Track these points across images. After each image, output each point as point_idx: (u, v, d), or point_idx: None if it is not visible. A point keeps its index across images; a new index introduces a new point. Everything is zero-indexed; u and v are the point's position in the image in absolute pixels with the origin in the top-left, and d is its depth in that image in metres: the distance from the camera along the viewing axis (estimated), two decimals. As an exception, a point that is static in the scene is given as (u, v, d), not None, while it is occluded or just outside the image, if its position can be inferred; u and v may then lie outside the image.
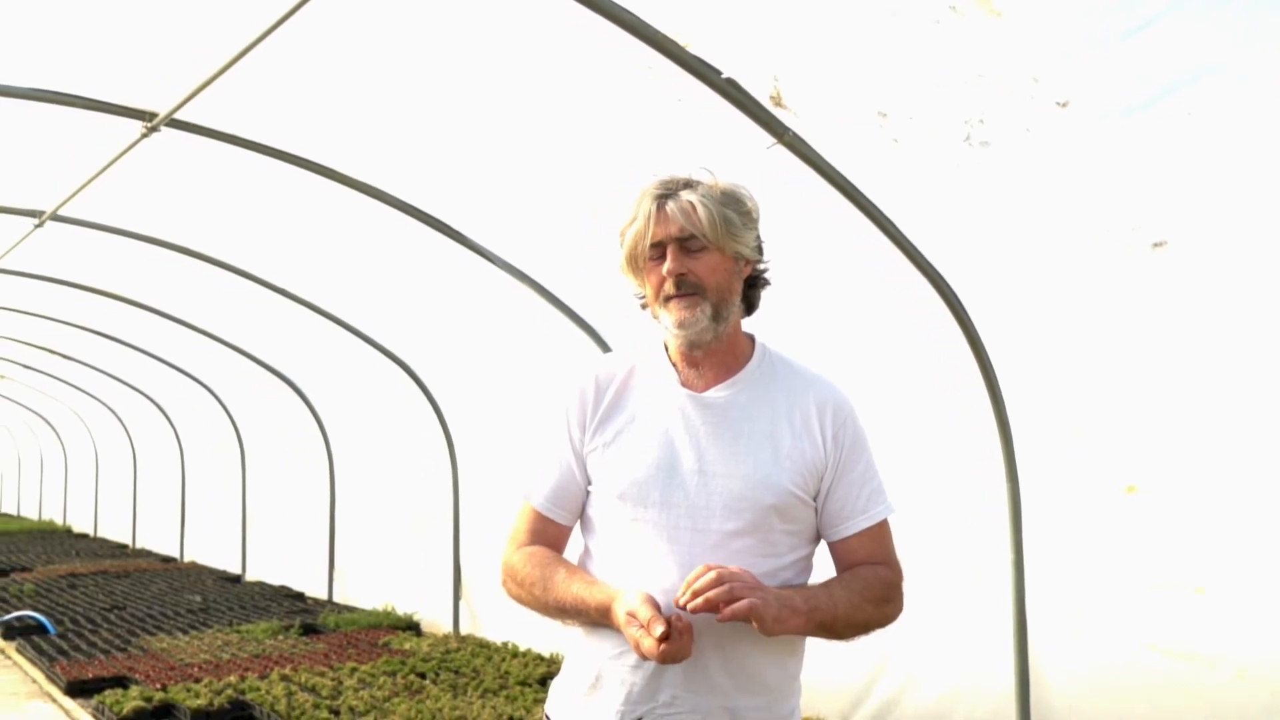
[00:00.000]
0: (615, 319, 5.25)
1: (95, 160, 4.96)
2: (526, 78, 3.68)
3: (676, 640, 1.56)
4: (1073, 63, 2.74)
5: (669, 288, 1.76)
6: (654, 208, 1.75)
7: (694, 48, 3.11)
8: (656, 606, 1.61)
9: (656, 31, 3.05)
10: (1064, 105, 2.85)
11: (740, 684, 1.72)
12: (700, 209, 1.73)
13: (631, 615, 1.61)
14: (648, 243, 1.75)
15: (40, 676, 6.20)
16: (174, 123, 4.38)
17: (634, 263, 1.80)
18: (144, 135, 4.45)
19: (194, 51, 3.83)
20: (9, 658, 6.85)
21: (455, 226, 5.07)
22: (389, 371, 7.21)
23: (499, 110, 3.97)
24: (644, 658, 1.60)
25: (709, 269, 1.76)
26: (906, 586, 1.87)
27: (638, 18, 3.01)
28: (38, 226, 6.09)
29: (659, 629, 1.56)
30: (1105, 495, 3.62)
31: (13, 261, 7.18)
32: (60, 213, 5.85)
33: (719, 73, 3.17)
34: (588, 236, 4.51)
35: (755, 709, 1.74)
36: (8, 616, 7.68)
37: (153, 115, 4.35)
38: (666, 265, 1.75)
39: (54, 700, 5.69)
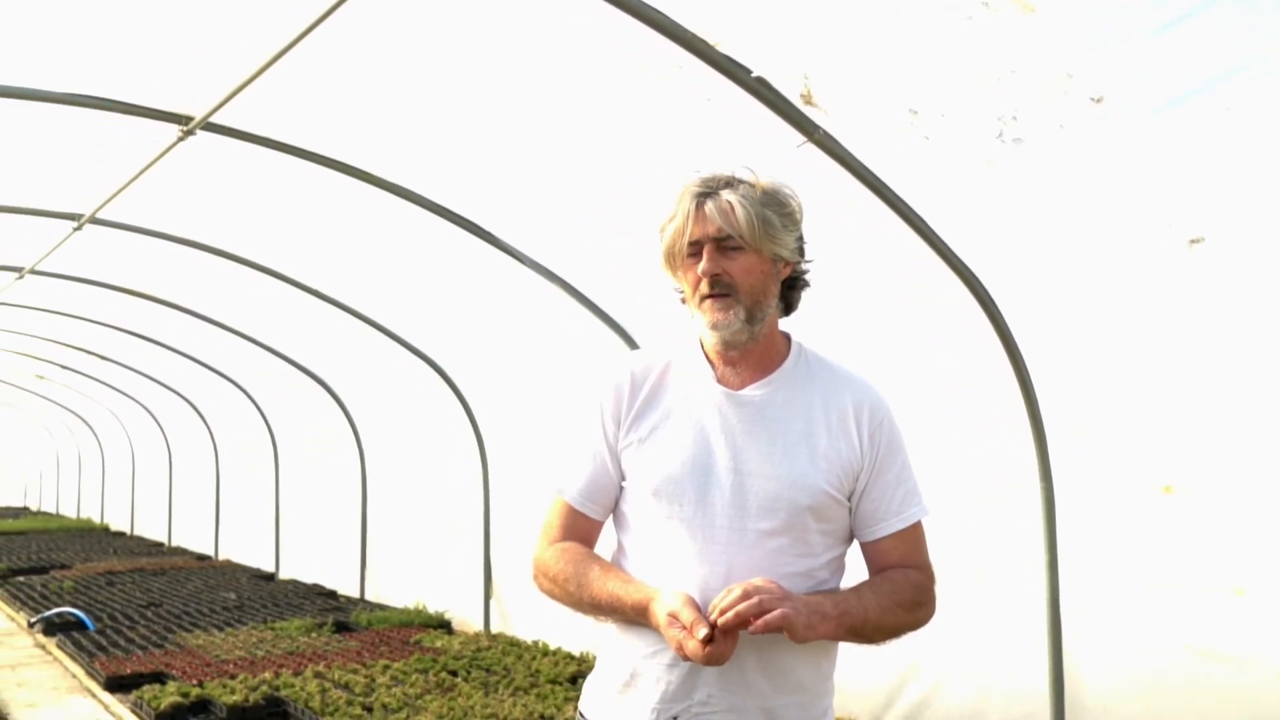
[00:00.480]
0: (644, 318, 5.26)
1: (132, 164, 5.03)
2: (556, 79, 3.70)
3: (721, 644, 1.57)
4: (1107, 58, 2.71)
5: (704, 287, 1.76)
6: (693, 206, 1.75)
7: (724, 47, 3.11)
8: (697, 608, 1.61)
9: (687, 31, 3.06)
10: (1098, 101, 2.82)
11: (776, 684, 1.72)
12: (739, 209, 1.72)
13: (673, 617, 1.61)
14: (685, 241, 1.75)
15: (80, 672, 6.31)
16: (209, 126, 4.44)
17: (672, 260, 1.80)
18: (180, 139, 4.52)
19: (229, 56, 3.88)
20: (50, 653, 6.97)
21: (485, 227, 5.10)
22: (420, 371, 7.27)
23: (529, 111, 3.99)
24: (686, 659, 1.60)
25: (744, 270, 1.75)
26: (938, 586, 1.86)
27: (668, 18, 3.02)
28: (76, 229, 6.19)
29: (702, 631, 1.56)
30: (1141, 495, 3.58)
31: (52, 264, 7.30)
32: (98, 216, 5.95)
33: (749, 71, 3.17)
34: (617, 236, 4.53)
35: (790, 708, 1.74)
36: (48, 613, 7.82)
37: (189, 119, 4.41)
38: (702, 265, 1.75)
39: (94, 695, 5.78)
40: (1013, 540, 4.01)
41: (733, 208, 1.73)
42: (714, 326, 1.76)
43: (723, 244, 1.75)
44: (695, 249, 1.76)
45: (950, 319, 3.85)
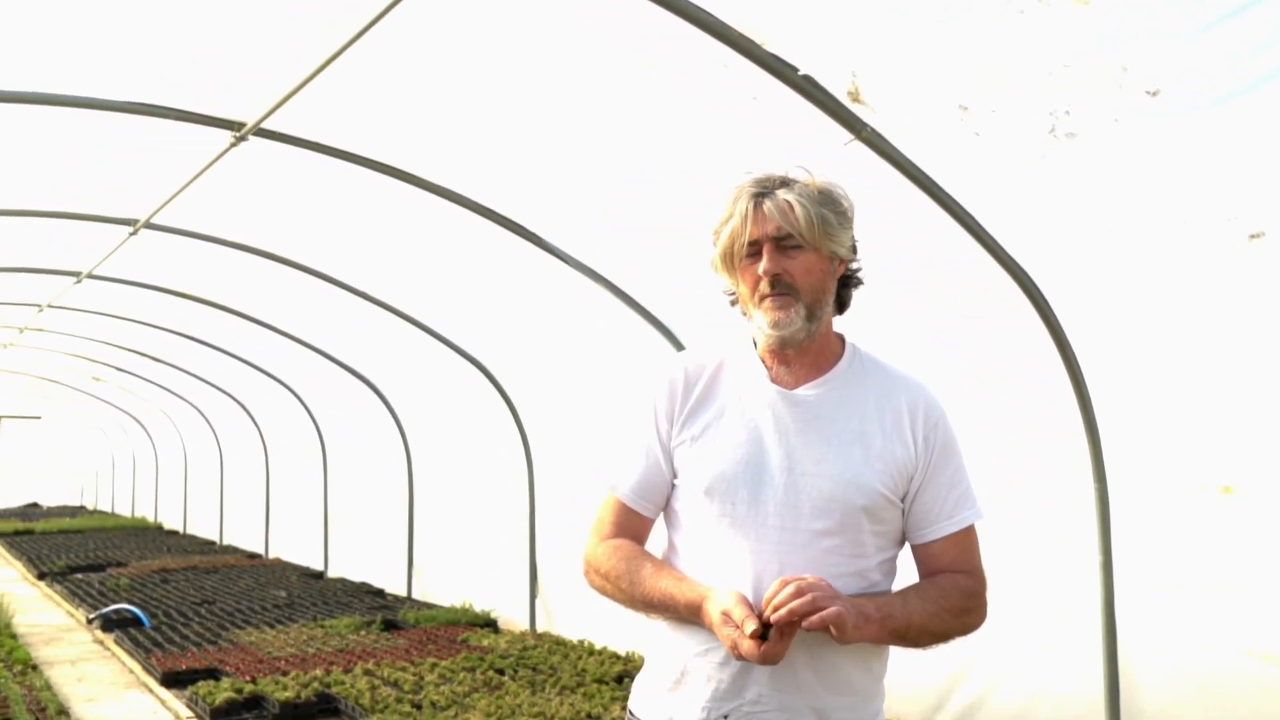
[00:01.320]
0: (690, 318, 5.26)
1: (186, 170, 5.14)
2: (602, 79, 3.71)
3: (775, 643, 1.57)
4: (1163, 51, 2.66)
5: (764, 287, 1.75)
6: (751, 206, 1.74)
7: (770, 45, 3.10)
8: (750, 606, 1.61)
9: (733, 30, 3.05)
10: (1154, 94, 2.77)
11: (827, 684, 1.72)
12: (798, 208, 1.72)
13: (726, 615, 1.61)
14: (744, 241, 1.75)
15: (137, 667, 6.45)
16: (260, 132, 4.52)
17: (729, 261, 1.79)
18: (232, 144, 4.60)
19: (279, 64, 3.94)
20: (108, 649, 7.13)
21: (530, 228, 5.13)
22: (465, 372, 7.33)
23: (574, 112, 4.00)
24: (740, 659, 1.60)
25: (804, 269, 1.75)
26: (989, 588, 1.84)
27: (714, 17, 3.02)
28: (132, 234, 6.34)
29: (751, 626, 1.56)
30: (1199, 495, 3.51)
31: (108, 268, 7.48)
32: (153, 221, 6.08)
33: (796, 70, 3.15)
34: (663, 235, 4.53)
35: (842, 709, 1.73)
36: (106, 610, 8.00)
37: (241, 125, 4.49)
38: (763, 265, 1.74)
39: (150, 691, 5.91)
40: (1065, 541, 3.95)
41: (791, 206, 1.72)
42: (775, 325, 1.76)
43: (782, 243, 1.74)
44: (754, 249, 1.76)
45: (1001, 317, 3.80)
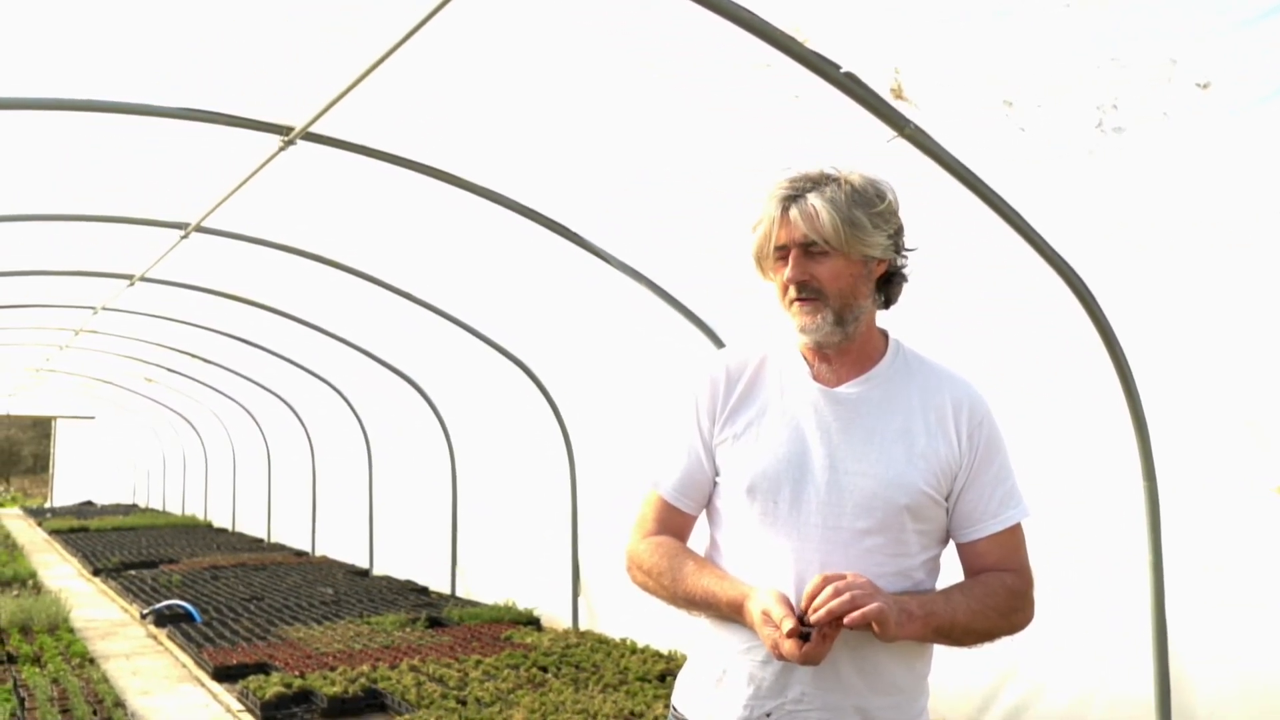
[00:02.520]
0: (731, 316, 5.26)
1: (236, 174, 5.24)
2: (643, 79, 3.72)
3: (817, 644, 1.57)
4: (1214, 42, 2.62)
5: (792, 291, 1.76)
6: (779, 211, 1.74)
7: (812, 43, 3.10)
8: (790, 606, 1.61)
9: (774, 28, 3.05)
10: (1205, 87, 2.72)
11: (871, 683, 1.71)
12: (824, 215, 1.70)
13: (766, 615, 1.61)
14: (772, 245, 1.75)
15: (189, 662, 6.59)
16: (308, 135, 4.59)
17: (760, 262, 1.80)
18: (281, 149, 4.69)
19: (326, 69, 4.01)
20: (160, 644, 7.29)
21: (572, 228, 5.16)
22: (507, 371, 7.39)
23: (616, 112, 4.02)
24: (781, 659, 1.60)
25: (831, 275, 1.74)
26: (1037, 588, 1.81)
27: (756, 15, 3.02)
28: (183, 238, 6.47)
29: (788, 624, 1.57)
30: (1251, 495, 3.45)
31: (159, 271, 7.64)
32: (203, 224, 6.20)
33: (838, 67, 3.14)
34: (705, 235, 4.53)
35: (886, 708, 1.72)
36: (158, 605, 8.18)
37: (289, 129, 4.57)
38: (787, 272, 1.74)
39: (202, 684, 6.03)
40: (1114, 540, 3.90)
41: (817, 213, 1.70)
42: (803, 330, 1.77)
43: (809, 249, 1.73)
44: (782, 253, 1.76)
45: (1047, 314, 3.76)
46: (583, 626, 7.23)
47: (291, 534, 13.27)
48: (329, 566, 11.14)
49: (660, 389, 5.79)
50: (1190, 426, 3.67)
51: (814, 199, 1.71)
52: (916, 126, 3.29)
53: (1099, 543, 3.96)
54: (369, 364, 9.14)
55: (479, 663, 6.05)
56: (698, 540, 1.90)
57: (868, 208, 1.73)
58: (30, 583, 9.77)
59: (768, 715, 1.71)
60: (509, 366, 7.34)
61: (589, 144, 4.38)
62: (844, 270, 1.74)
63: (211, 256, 7.07)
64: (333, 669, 5.92)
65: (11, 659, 6.40)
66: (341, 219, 6.17)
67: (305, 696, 5.46)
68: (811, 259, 1.73)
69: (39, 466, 30.21)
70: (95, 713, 5.04)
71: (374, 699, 5.46)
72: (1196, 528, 3.69)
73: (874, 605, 1.56)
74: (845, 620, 1.56)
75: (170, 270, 7.60)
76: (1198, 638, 3.69)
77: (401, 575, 10.05)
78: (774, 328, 1.92)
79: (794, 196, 1.73)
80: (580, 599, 7.29)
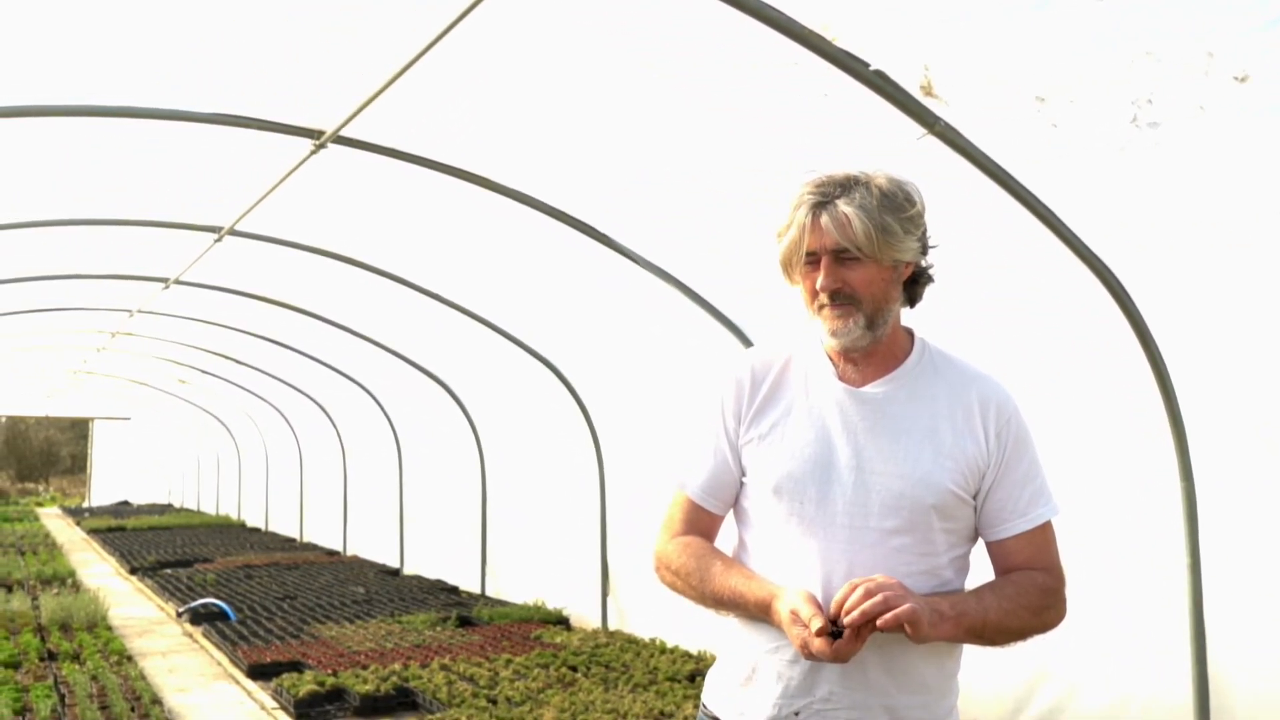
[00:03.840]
0: (759, 317, 5.24)
1: (268, 177, 5.30)
2: (671, 80, 3.72)
3: (849, 642, 1.56)
4: (1252, 35, 2.58)
5: (823, 298, 1.74)
6: (809, 219, 1.71)
7: (841, 41, 3.08)
8: (818, 605, 1.61)
9: (802, 27, 3.04)
10: (1243, 80, 2.68)
11: (899, 682, 1.70)
12: (856, 222, 1.68)
13: (795, 614, 1.62)
14: (803, 252, 1.72)
15: (224, 659, 6.67)
16: (339, 139, 4.63)
17: (788, 268, 1.77)
18: (312, 152, 4.73)
19: (356, 73, 4.04)
20: (196, 642, 7.38)
21: (600, 229, 5.17)
22: (536, 372, 7.41)
23: (643, 113, 4.02)
24: (810, 658, 1.60)
25: (864, 281, 1.72)
26: (1071, 590, 1.80)
27: (783, 14, 3.01)
28: (217, 241, 6.55)
29: (816, 623, 1.56)
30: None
31: (194, 274, 7.74)
32: (236, 228, 6.28)
33: (867, 65, 3.13)
34: (733, 236, 4.52)
35: (914, 707, 1.72)
36: (194, 604, 8.28)
37: (320, 133, 4.61)
38: (820, 281, 1.72)
39: (237, 682, 6.10)
40: (1151, 541, 3.84)
41: (849, 220, 1.68)
42: (834, 334, 1.75)
43: (841, 255, 1.71)
44: (812, 259, 1.73)
45: (1081, 313, 3.72)
46: (612, 626, 7.24)
47: (323, 533, 13.40)
48: (360, 566, 11.23)
49: (688, 389, 5.78)
50: (1228, 425, 3.62)
51: (844, 205, 1.69)
52: (947, 124, 3.27)
53: (1135, 543, 3.91)
54: (399, 365, 9.21)
55: (509, 662, 6.08)
56: (724, 540, 1.90)
57: (898, 213, 1.71)
58: (69, 581, 9.93)
59: (796, 714, 1.71)
60: (537, 367, 7.36)
61: (617, 145, 4.38)
62: (876, 276, 1.73)
63: (244, 259, 7.15)
64: (364, 667, 5.97)
65: (52, 656, 6.51)
66: (371, 221, 6.22)
67: (338, 694, 5.51)
68: (843, 265, 1.72)
69: (77, 467, 30.72)
70: (133, 709, 5.11)
71: (405, 697, 5.50)
72: (1235, 528, 3.63)
73: (907, 606, 1.56)
74: (879, 622, 1.55)
75: (204, 273, 7.70)
76: (1237, 641, 3.64)
77: (431, 575, 10.12)
78: (801, 328, 1.91)
79: (823, 203, 1.71)
80: (609, 599, 7.30)
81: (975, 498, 1.77)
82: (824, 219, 1.70)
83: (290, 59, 4.03)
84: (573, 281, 6.06)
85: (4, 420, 22.42)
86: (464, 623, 7.67)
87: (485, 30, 3.56)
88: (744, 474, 1.85)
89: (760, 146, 3.91)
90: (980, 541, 1.83)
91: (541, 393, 7.57)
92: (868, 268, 1.72)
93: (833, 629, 1.57)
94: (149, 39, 3.85)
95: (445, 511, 9.85)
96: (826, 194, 1.72)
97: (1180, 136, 2.94)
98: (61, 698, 5.34)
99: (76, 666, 6.12)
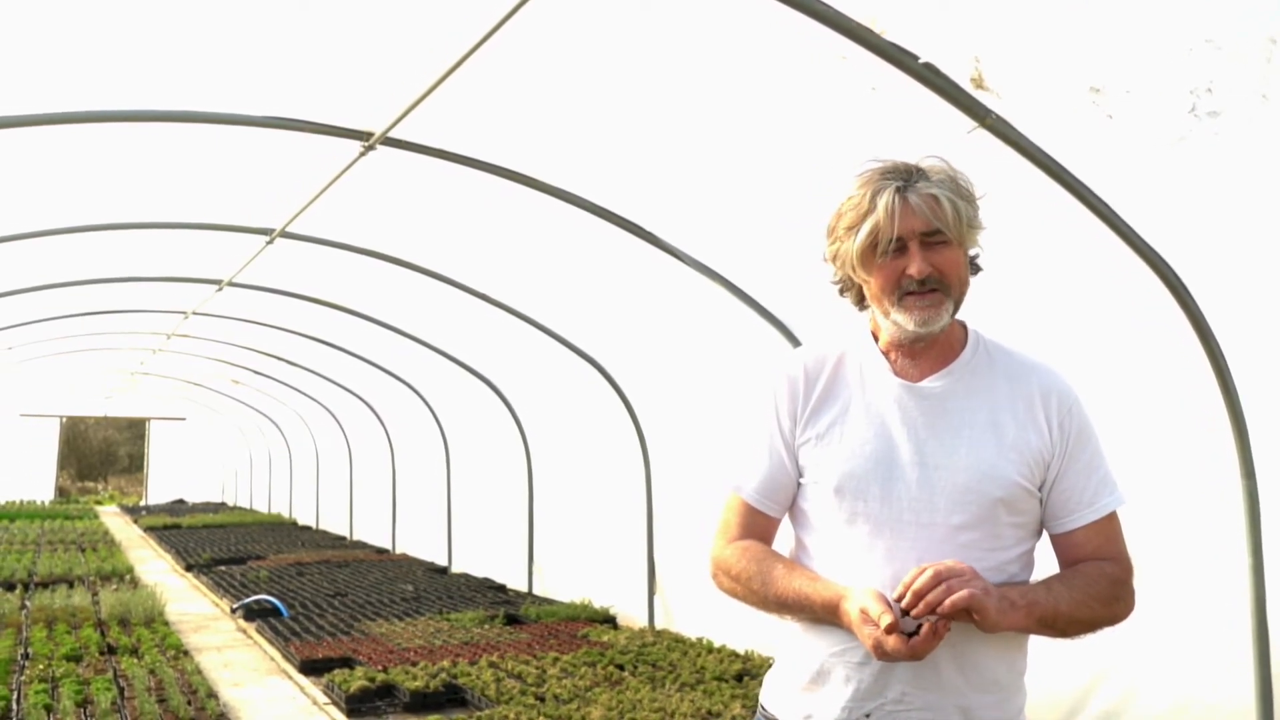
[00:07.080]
0: (806, 315, 5.20)
1: (318, 179, 5.37)
2: (717, 76, 3.71)
3: (928, 639, 1.54)
4: (1317, 19, 2.50)
5: (908, 285, 1.68)
6: (898, 201, 1.65)
7: (889, 34, 3.05)
8: (888, 603, 1.58)
9: (850, 20, 3.01)
10: (1307, 67, 2.60)
11: (972, 681, 1.67)
12: (945, 203, 1.65)
13: (865, 613, 1.58)
14: (891, 236, 1.66)
15: (277, 655, 6.78)
16: (387, 140, 4.68)
17: (868, 256, 1.70)
18: (362, 154, 4.79)
19: (404, 75, 4.08)
20: (250, 637, 7.51)
21: (646, 227, 5.17)
22: (582, 371, 7.43)
23: (689, 110, 4.02)
24: (883, 658, 1.57)
25: (952, 265, 1.69)
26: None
27: (831, 8, 2.98)
28: (268, 243, 6.66)
29: (886, 620, 1.54)
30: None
31: (246, 276, 7.88)
32: (287, 230, 6.37)
33: (916, 58, 3.09)
34: (778, 233, 4.50)
35: (987, 706, 1.69)
36: (247, 600, 8.43)
37: (369, 135, 4.67)
38: (914, 265, 1.67)
39: (290, 677, 6.20)
40: (1211, 540, 3.75)
41: (938, 201, 1.65)
42: (923, 324, 1.69)
43: (929, 239, 1.67)
44: (898, 245, 1.68)
45: (1138, 308, 3.64)
46: (658, 625, 7.24)
47: (372, 532, 13.56)
48: (409, 564, 11.35)
49: (735, 388, 5.76)
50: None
51: (927, 187, 1.66)
52: (998, 116, 3.22)
53: (1196, 542, 3.82)
54: (446, 365, 9.29)
55: (556, 660, 6.10)
56: (780, 544, 1.88)
57: (968, 199, 1.70)
58: (128, 577, 10.16)
59: (867, 716, 1.68)
60: (583, 366, 7.38)
61: (663, 143, 4.38)
62: (960, 260, 1.71)
63: (295, 261, 7.26)
64: (414, 664, 6.03)
65: (111, 650, 6.67)
66: (419, 222, 6.28)
67: (388, 690, 5.57)
68: (931, 250, 1.67)
69: (134, 466, 31.43)
70: (189, 703, 5.22)
71: (454, 694, 5.55)
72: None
73: (965, 591, 1.52)
74: (946, 603, 1.52)
75: (256, 275, 7.83)
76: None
77: (479, 573, 10.20)
78: (849, 324, 1.88)
79: (906, 185, 1.66)
80: (656, 597, 7.29)
81: (1041, 489, 1.73)
82: (913, 200, 1.66)
83: (340, 62, 4.08)
84: (619, 280, 6.06)
85: (65, 421, 22.96)
86: (511, 621, 7.72)
87: (531, 30, 3.57)
88: (801, 475, 1.81)
89: (806, 143, 3.88)
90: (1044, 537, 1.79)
91: (587, 391, 7.59)
92: (955, 251, 1.69)
93: (908, 627, 1.54)
94: (205, 44, 3.92)
95: (492, 510, 9.92)
96: (905, 178, 1.68)
97: (1241, 126, 2.87)
98: (121, 691, 5.46)
99: (135, 660, 6.26)
